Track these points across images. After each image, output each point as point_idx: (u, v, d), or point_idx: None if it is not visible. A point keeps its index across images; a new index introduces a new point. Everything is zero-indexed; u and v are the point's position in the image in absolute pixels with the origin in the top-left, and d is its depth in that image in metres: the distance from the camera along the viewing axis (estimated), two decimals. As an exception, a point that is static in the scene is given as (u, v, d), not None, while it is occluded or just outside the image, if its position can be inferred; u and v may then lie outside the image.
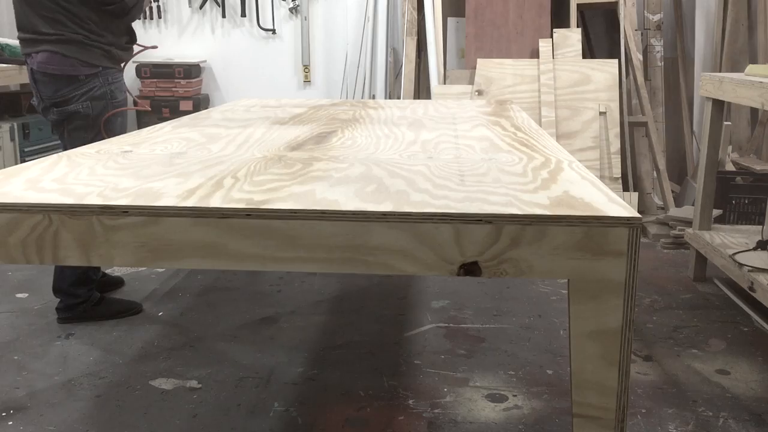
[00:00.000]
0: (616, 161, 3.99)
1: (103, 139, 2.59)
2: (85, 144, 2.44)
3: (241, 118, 2.41)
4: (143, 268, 3.23)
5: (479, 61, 4.28)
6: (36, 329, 2.66)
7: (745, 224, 3.47)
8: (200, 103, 4.98)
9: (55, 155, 1.65)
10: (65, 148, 2.58)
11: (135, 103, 2.83)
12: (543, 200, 1.18)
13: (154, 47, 3.26)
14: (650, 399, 2.15)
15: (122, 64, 2.76)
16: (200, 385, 2.23)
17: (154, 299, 2.96)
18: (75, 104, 2.57)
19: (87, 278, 2.70)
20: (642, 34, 4.50)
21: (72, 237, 1.15)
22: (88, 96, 2.58)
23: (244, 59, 5.18)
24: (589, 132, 4.05)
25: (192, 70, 4.97)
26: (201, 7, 5.09)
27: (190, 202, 1.16)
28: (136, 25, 5.16)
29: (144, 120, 4.93)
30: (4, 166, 2.63)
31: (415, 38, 4.59)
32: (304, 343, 2.54)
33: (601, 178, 3.93)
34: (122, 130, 2.69)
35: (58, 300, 2.71)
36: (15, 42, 4.35)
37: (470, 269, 1.10)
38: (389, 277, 3.16)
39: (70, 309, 2.70)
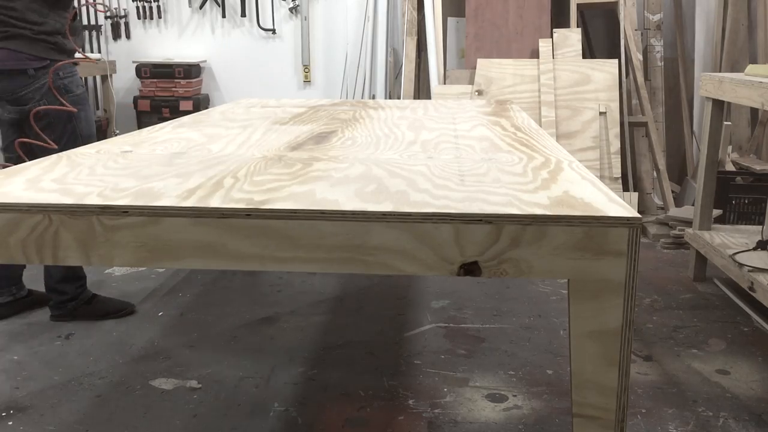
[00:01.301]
0: (616, 161, 3.99)
1: (73, 136, 2.54)
2: (55, 142, 2.39)
3: (241, 118, 2.41)
4: (143, 268, 3.23)
5: (479, 61, 4.28)
6: (36, 329, 2.66)
7: (745, 224, 3.47)
8: (200, 103, 4.98)
9: (54, 155, 1.65)
10: (16, 157, 2.45)
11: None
12: (543, 200, 1.18)
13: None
14: (650, 399, 2.15)
15: (75, 55, 2.65)
16: (200, 385, 2.23)
17: (154, 299, 2.96)
18: (32, 104, 2.48)
19: (74, 275, 2.70)
20: (642, 34, 4.50)
21: (72, 237, 1.15)
22: (42, 93, 2.50)
23: (244, 59, 5.18)
24: (589, 132, 4.05)
25: (192, 70, 4.97)
26: (201, 7, 5.09)
27: (190, 202, 1.16)
28: (136, 24, 5.19)
29: (144, 120, 4.93)
30: (4, 166, 2.64)
31: (415, 38, 4.59)
32: (304, 343, 2.54)
33: (601, 178, 3.93)
34: (89, 130, 2.64)
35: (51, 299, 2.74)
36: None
37: (470, 269, 1.10)
38: (389, 277, 3.16)
39: (59, 306, 2.71)
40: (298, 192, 1.24)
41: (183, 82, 4.92)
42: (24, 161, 1.63)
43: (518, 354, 2.46)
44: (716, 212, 3.41)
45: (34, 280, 2.89)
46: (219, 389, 2.21)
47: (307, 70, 5.13)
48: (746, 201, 3.53)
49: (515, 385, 2.24)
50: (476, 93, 4.19)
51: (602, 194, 1.23)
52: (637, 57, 4.27)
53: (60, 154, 1.68)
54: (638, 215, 1.09)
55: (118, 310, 2.79)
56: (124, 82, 5.24)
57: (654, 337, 2.61)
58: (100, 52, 5.20)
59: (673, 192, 4.30)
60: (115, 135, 4.75)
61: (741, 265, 2.72)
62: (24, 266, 2.81)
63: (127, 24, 5.19)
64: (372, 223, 1.10)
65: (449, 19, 4.70)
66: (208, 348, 2.50)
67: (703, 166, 3.13)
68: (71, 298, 2.71)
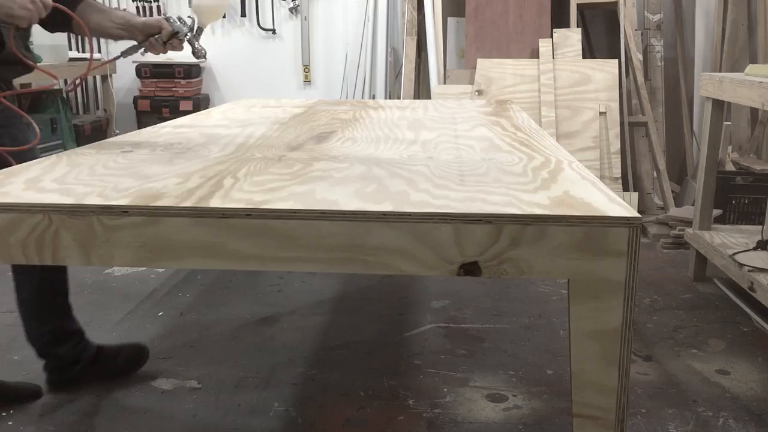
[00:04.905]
0: (616, 161, 3.99)
1: None
2: None
3: (241, 118, 2.41)
4: (143, 268, 3.22)
5: (479, 61, 4.28)
6: (36, 329, 2.65)
7: (745, 224, 3.46)
8: (200, 103, 4.98)
9: (54, 155, 1.65)
10: None
11: None
12: (543, 200, 1.18)
13: None
14: (650, 399, 2.15)
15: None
16: (200, 385, 2.23)
17: (154, 299, 2.96)
18: None
19: (65, 332, 2.16)
20: (642, 34, 4.50)
21: (72, 237, 1.15)
22: None
23: (244, 59, 5.18)
24: (589, 132, 4.05)
25: (192, 70, 4.97)
26: (201, 7, 5.09)
27: (190, 202, 1.16)
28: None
29: (144, 120, 4.93)
30: (4, 166, 2.62)
31: (415, 38, 4.59)
32: (304, 343, 2.54)
33: (601, 178, 3.93)
34: None
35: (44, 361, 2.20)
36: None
37: (470, 269, 1.10)
38: (389, 277, 3.16)
39: (58, 371, 2.19)
40: (298, 192, 1.24)
41: (183, 82, 4.92)
42: None
43: (518, 354, 2.45)
44: (716, 212, 3.41)
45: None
46: (219, 389, 2.21)
47: (307, 70, 5.13)
48: (746, 201, 3.53)
49: (515, 385, 2.23)
50: (476, 93, 4.19)
51: (602, 194, 1.23)
52: (637, 57, 4.27)
53: (60, 153, 1.67)
54: (638, 215, 1.09)
55: (134, 359, 2.29)
56: (124, 82, 5.23)
57: (654, 337, 2.60)
58: (100, 52, 5.20)
59: (673, 192, 4.30)
60: (115, 135, 4.75)
61: (741, 265, 2.71)
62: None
63: (127, 24, 5.18)
64: (372, 223, 1.10)
65: (449, 19, 4.70)
66: (208, 348, 2.50)
67: (703, 166, 3.13)
68: (72, 361, 2.18)
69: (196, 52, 2.10)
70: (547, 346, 2.51)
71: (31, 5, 1.69)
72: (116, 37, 2.04)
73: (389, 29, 4.91)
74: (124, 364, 2.28)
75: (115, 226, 1.14)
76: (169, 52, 2.07)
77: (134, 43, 2.04)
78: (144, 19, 2.06)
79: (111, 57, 1.98)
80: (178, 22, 2.05)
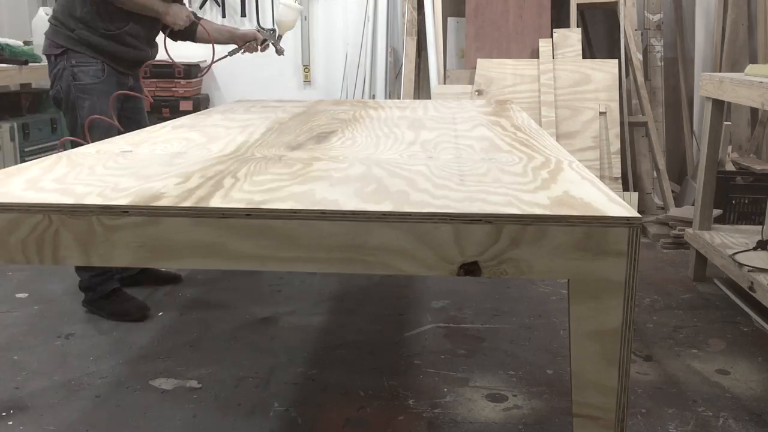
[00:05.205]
0: (616, 161, 3.99)
1: (73, 122, 2.65)
2: (75, 130, 2.61)
3: (241, 118, 2.41)
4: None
5: (479, 61, 4.28)
6: (36, 329, 2.66)
7: (745, 224, 3.46)
8: (200, 103, 4.98)
9: (54, 155, 1.65)
10: None
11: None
12: (543, 200, 1.18)
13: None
14: (650, 399, 2.15)
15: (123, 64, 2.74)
16: (200, 385, 2.23)
17: (154, 299, 2.96)
18: (52, 89, 2.67)
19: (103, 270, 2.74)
20: (642, 34, 4.50)
21: (72, 237, 1.15)
22: (55, 77, 2.64)
23: (244, 59, 5.16)
24: (589, 132, 4.05)
25: (192, 70, 4.96)
26: (201, 7, 5.09)
27: (189, 202, 1.16)
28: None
29: (144, 120, 4.92)
30: (4, 166, 2.63)
31: (415, 38, 4.59)
32: (304, 343, 2.54)
33: (601, 178, 3.93)
34: (92, 121, 2.52)
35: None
36: (15, 42, 4.35)
37: (470, 269, 1.10)
38: (389, 277, 3.16)
39: (84, 292, 2.79)
40: (298, 192, 1.25)
41: (183, 82, 4.92)
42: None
43: (518, 354, 2.45)
44: (716, 212, 3.41)
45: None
46: (219, 389, 2.21)
47: (307, 70, 5.13)
48: (746, 201, 3.53)
49: (515, 385, 2.23)
50: (476, 93, 4.19)
51: (602, 194, 1.23)
52: (637, 57, 4.27)
53: (60, 153, 1.68)
54: (638, 215, 1.09)
55: (167, 279, 2.93)
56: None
57: (654, 337, 2.60)
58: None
59: (673, 192, 4.30)
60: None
61: (741, 265, 2.71)
62: None
63: (127, 24, 5.18)
64: (372, 223, 1.10)
65: (449, 19, 4.70)
66: (208, 348, 2.50)
67: (703, 166, 3.13)
68: (87, 287, 2.74)
69: (278, 51, 3.10)
70: (547, 346, 2.51)
71: (186, 18, 2.81)
72: (223, 43, 3.06)
73: (389, 29, 4.90)
74: (160, 280, 3.05)
75: (115, 226, 1.14)
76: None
77: (235, 46, 3.07)
78: (243, 30, 3.16)
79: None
80: (265, 31, 3.01)
